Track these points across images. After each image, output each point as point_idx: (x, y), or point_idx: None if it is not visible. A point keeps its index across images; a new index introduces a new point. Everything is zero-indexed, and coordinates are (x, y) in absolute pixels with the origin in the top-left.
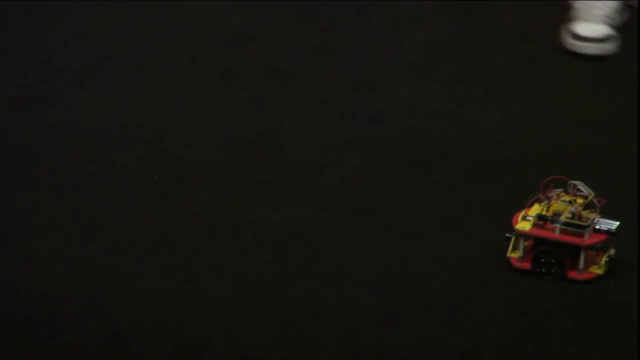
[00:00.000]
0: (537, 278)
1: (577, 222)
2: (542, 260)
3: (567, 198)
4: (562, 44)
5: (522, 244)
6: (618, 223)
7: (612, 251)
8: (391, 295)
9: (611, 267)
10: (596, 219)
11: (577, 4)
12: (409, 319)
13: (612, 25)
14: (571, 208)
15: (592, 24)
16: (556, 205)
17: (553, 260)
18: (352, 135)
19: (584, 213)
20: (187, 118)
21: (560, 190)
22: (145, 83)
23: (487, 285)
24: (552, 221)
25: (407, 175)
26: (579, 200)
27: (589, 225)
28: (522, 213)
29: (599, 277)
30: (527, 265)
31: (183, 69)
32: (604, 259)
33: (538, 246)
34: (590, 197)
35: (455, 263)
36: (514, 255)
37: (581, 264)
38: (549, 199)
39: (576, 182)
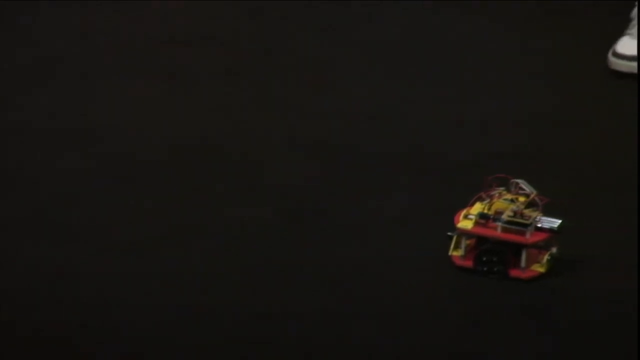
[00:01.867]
0: (480, 276)
1: (519, 220)
2: (485, 258)
3: (509, 196)
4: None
5: (464, 242)
6: (560, 221)
7: (554, 249)
8: (339, 294)
9: (553, 265)
10: (538, 217)
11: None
12: (356, 317)
13: None
14: (513, 206)
15: (636, 41)
16: (498, 204)
17: (495, 259)
18: (302, 136)
19: (526, 211)
20: (138, 119)
21: (502, 188)
22: (97, 84)
23: (429, 284)
24: (494, 220)
25: (356, 176)
26: (521, 199)
27: (531, 224)
28: (464, 212)
29: (541, 275)
30: (469, 263)
31: (133, 70)
32: (546, 257)
33: (480, 244)
34: (532, 196)
35: (401, 262)
36: (456, 253)
37: (523, 262)
38: (491, 197)
39: (518, 181)
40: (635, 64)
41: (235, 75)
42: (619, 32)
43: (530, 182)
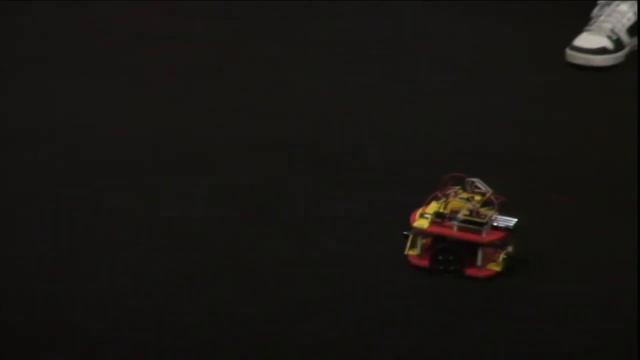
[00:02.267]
0: (436, 275)
1: (475, 219)
2: (440, 257)
3: (465, 195)
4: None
5: (419, 241)
6: (516, 220)
7: (510, 248)
8: (295, 294)
9: (509, 263)
10: (494, 216)
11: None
12: (312, 318)
13: (614, 40)
14: (469, 205)
15: (594, 36)
16: (454, 203)
17: (451, 258)
18: (259, 135)
19: (482, 210)
20: (97, 118)
21: (458, 187)
22: (57, 83)
23: (385, 284)
24: (450, 218)
25: (313, 175)
26: (477, 198)
27: (487, 223)
28: (420, 210)
29: (497, 274)
30: (425, 262)
31: (93, 69)
32: (502, 256)
33: (436, 244)
34: (488, 195)
35: (357, 262)
36: (412, 252)
37: (479, 261)
38: (446, 196)
39: (474, 180)
40: (591, 56)
41: (192, 75)
42: (580, 30)
43: (486, 181)
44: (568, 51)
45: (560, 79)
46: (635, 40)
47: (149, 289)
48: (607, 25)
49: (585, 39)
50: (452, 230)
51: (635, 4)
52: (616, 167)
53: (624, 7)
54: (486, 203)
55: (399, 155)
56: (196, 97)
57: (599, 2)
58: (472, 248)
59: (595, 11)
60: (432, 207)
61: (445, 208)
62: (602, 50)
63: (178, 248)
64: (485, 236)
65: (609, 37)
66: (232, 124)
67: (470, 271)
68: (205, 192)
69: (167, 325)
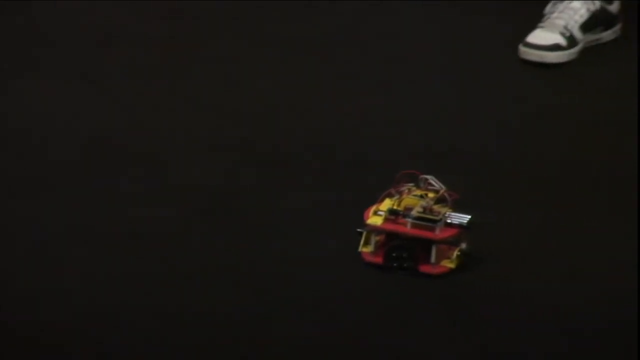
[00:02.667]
0: (390, 272)
1: (428, 216)
2: (394, 254)
3: (418, 192)
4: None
5: (373, 238)
6: (470, 217)
7: (463, 245)
8: (251, 293)
9: (463, 260)
10: (448, 213)
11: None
12: (268, 316)
13: (567, 37)
14: (423, 202)
15: (546, 33)
16: (408, 200)
17: (405, 255)
18: (213, 134)
19: (436, 207)
20: (47, 117)
21: (412, 184)
22: (7, 83)
23: (339, 282)
24: (404, 216)
25: (267, 173)
26: (431, 195)
27: (440, 220)
28: (374, 208)
29: (451, 271)
30: (379, 259)
31: (43, 68)
32: (456, 252)
33: (390, 241)
34: (441, 192)
35: (312, 260)
36: (365, 250)
37: (433, 258)
38: (400, 193)
39: (427, 177)
40: (545, 53)
41: (149, 75)
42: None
43: (440, 178)
44: (521, 47)
45: (513, 76)
46: (588, 37)
47: (99, 289)
48: (560, 22)
49: (538, 36)
50: (406, 227)
51: (588, 1)
52: (570, 165)
53: (576, 4)
54: (440, 200)
55: (353, 153)
56: (152, 97)
57: None
58: (425, 245)
59: (548, 8)
60: (386, 204)
61: (398, 205)
62: (555, 47)
63: (131, 248)
64: (439, 233)
65: (562, 34)
66: (184, 124)
67: (424, 268)
68: (159, 191)
69: (116, 324)
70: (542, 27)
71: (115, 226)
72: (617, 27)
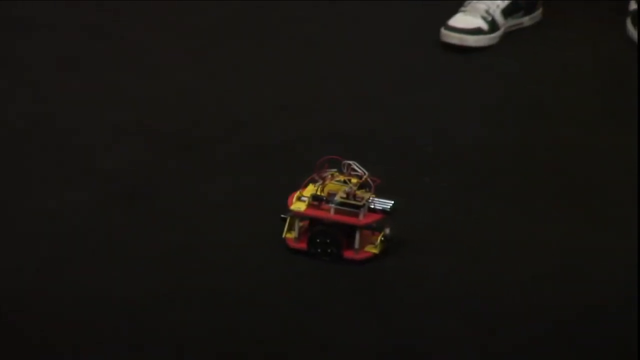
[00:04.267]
0: (314, 258)
1: (351, 202)
2: (318, 240)
3: (341, 178)
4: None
5: (297, 224)
6: (393, 202)
7: (387, 230)
8: (169, 279)
9: (387, 246)
10: (371, 198)
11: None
12: (186, 302)
13: (489, 21)
14: (346, 188)
15: (468, 17)
16: (331, 186)
17: (328, 240)
18: (128, 119)
19: (359, 193)
20: None
21: (335, 170)
22: None
23: (263, 267)
24: (327, 201)
25: (182, 158)
26: (354, 180)
27: (363, 205)
28: (297, 194)
29: (375, 257)
30: (303, 245)
31: None
32: (380, 238)
33: (313, 226)
34: (364, 177)
35: (233, 246)
36: (289, 235)
37: (357, 244)
38: (323, 179)
39: (350, 162)
40: (466, 36)
41: (60, 61)
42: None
43: (362, 163)
44: (443, 30)
45: (433, 60)
46: (509, 22)
47: (25, 276)
48: (482, 6)
49: (460, 19)
50: (329, 213)
51: None
52: (488, 149)
53: None
54: (363, 186)
55: (273, 138)
56: (63, 84)
57: None
58: (349, 231)
59: None
60: (309, 189)
61: (322, 191)
62: (476, 31)
63: (51, 234)
64: (362, 219)
65: (484, 18)
66: (102, 109)
67: (347, 254)
68: (74, 176)
69: (33, 310)
70: (464, 11)
71: (31, 212)
72: (539, 12)
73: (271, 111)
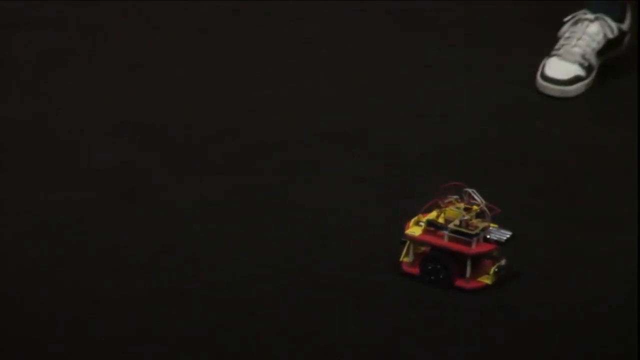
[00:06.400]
0: (424, 283)
1: (464, 230)
2: (429, 266)
3: (461, 205)
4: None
5: (411, 249)
6: (510, 234)
7: (503, 261)
8: (163, 278)
9: (501, 277)
10: (488, 227)
11: (562, 38)
12: (182, 301)
13: (585, 67)
14: (462, 215)
15: (564, 62)
16: (449, 212)
17: (439, 267)
18: (121, 118)
19: (474, 221)
20: None
21: (457, 197)
22: None
23: (258, 268)
24: (442, 228)
25: (176, 158)
26: (475, 208)
27: (477, 234)
28: (415, 218)
29: (486, 287)
30: (416, 270)
31: None
32: (494, 268)
33: (428, 253)
34: (481, 206)
35: (226, 246)
36: (405, 260)
37: (468, 272)
38: (445, 205)
39: (469, 190)
40: (565, 88)
41: (46, 59)
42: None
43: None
44: (541, 81)
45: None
46: (601, 59)
47: (20, 275)
48: (578, 50)
49: (556, 67)
50: (443, 239)
51: (605, 23)
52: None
53: (593, 28)
54: (481, 214)
55: (262, 137)
56: (51, 82)
57: (566, 20)
58: (462, 259)
59: (562, 30)
60: (431, 215)
61: (440, 217)
62: (575, 80)
63: (46, 232)
64: (474, 248)
65: (581, 64)
66: (91, 107)
67: (459, 282)
68: (69, 175)
69: (24, 309)
70: (558, 55)
71: (27, 210)
72: (626, 41)
73: (264, 110)
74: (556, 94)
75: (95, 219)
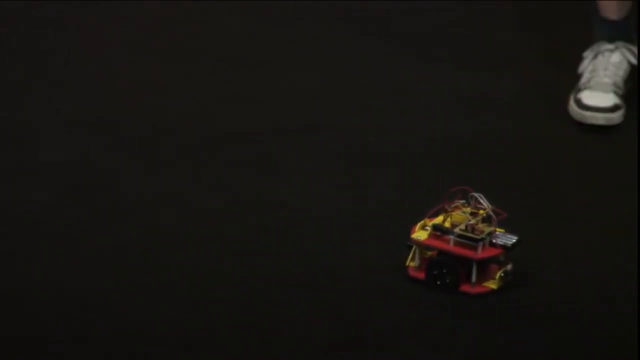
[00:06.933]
0: (430, 288)
1: (470, 234)
2: (435, 271)
3: (468, 210)
4: (569, 112)
5: (417, 253)
6: (516, 239)
7: (509, 266)
8: (122, 273)
9: (507, 282)
10: (494, 232)
11: (585, 72)
12: (144, 297)
13: (620, 95)
14: (468, 220)
15: (599, 93)
16: (456, 217)
17: (445, 271)
18: (79, 112)
19: (480, 226)
20: None
21: (463, 201)
22: None
23: (220, 261)
24: (448, 232)
25: (132, 152)
26: (481, 212)
27: (483, 239)
28: (421, 222)
29: (492, 292)
30: (422, 275)
31: None
32: (500, 273)
33: (434, 257)
34: (487, 210)
35: (184, 237)
36: (411, 264)
37: (473, 277)
38: (451, 209)
39: (476, 194)
40: (609, 115)
41: (9, 53)
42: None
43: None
44: (582, 112)
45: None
46: (628, 85)
47: None
48: (608, 81)
49: (595, 97)
50: (449, 244)
51: (625, 51)
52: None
53: (615, 57)
54: (487, 219)
55: (218, 130)
56: (12, 76)
57: (584, 55)
58: (468, 263)
59: (583, 66)
60: (437, 219)
61: (446, 221)
62: (616, 107)
63: (3, 229)
64: (480, 252)
65: (616, 93)
66: (53, 101)
67: (464, 287)
68: (26, 170)
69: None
70: (589, 87)
71: None
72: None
73: (220, 103)
74: (601, 122)
75: (53, 214)
